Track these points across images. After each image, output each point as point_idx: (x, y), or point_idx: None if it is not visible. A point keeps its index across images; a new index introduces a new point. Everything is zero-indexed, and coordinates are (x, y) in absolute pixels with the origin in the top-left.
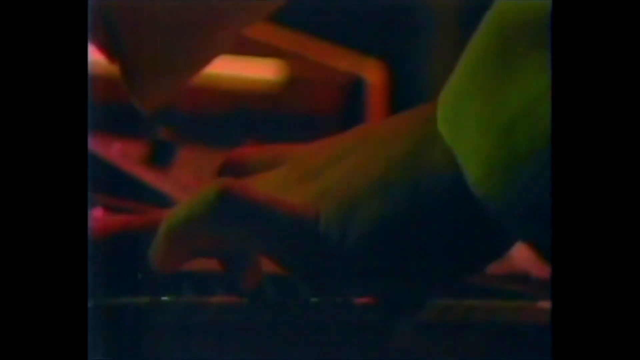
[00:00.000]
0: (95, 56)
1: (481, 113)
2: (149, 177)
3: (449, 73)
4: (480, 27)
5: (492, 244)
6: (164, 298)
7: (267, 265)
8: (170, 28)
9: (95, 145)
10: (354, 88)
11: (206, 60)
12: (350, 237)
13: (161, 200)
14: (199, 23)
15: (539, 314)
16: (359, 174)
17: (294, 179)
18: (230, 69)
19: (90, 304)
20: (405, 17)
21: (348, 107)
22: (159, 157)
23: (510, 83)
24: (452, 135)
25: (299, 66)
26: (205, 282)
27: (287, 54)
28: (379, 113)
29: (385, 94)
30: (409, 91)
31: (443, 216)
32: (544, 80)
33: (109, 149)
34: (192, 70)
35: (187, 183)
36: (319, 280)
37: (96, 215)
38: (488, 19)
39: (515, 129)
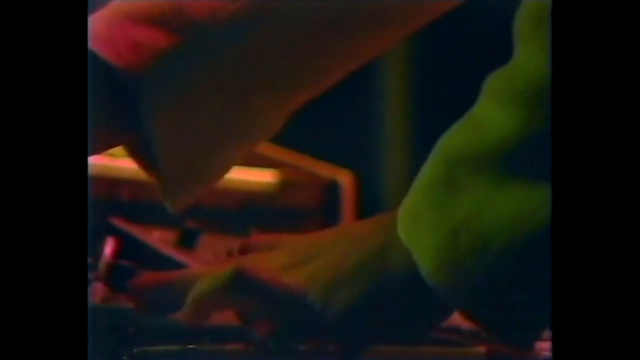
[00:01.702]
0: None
1: (432, 221)
2: (179, 255)
3: (402, 181)
4: (431, 156)
5: (438, 315)
6: (191, 346)
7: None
8: (200, 148)
9: (141, 232)
10: (332, 189)
11: (225, 172)
12: (329, 311)
13: None
14: (222, 144)
15: (470, 356)
16: (337, 266)
17: (289, 264)
18: (240, 175)
19: (135, 350)
20: (371, 135)
21: (328, 203)
22: (187, 241)
23: (454, 199)
24: (409, 238)
25: (290, 173)
26: (223, 334)
27: (281, 164)
28: (351, 208)
29: (354, 193)
30: (372, 192)
31: (402, 298)
32: (480, 197)
33: (150, 235)
34: (214, 180)
35: (208, 260)
36: (306, 335)
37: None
38: (437, 150)
39: (458, 234)
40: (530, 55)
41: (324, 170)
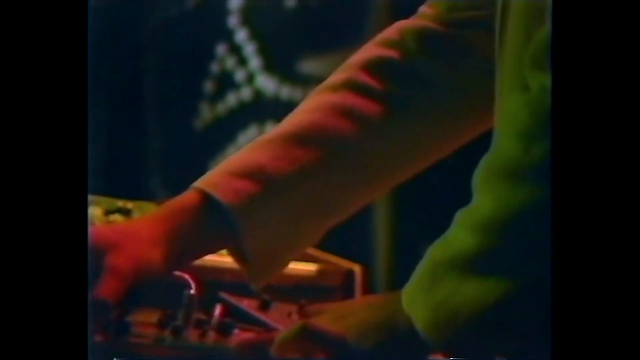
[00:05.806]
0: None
1: (422, 300)
2: (260, 315)
3: (391, 272)
4: (422, 260)
5: (426, 352)
6: None
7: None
8: (274, 252)
9: (237, 300)
10: (349, 275)
11: (287, 265)
12: (362, 349)
13: (267, 326)
14: (286, 250)
15: None
16: (366, 321)
17: (333, 318)
18: (294, 266)
19: None
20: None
21: (347, 284)
22: (264, 306)
23: (436, 287)
24: (409, 309)
25: (324, 265)
26: None
27: (318, 259)
28: (361, 287)
29: (364, 278)
30: (375, 278)
31: (408, 343)
32: (451, 287)
33: (242, 302)
34: (281, 270)
35: (278, 318)
36: None
37: (240, 335)
38: (426, 256)
39: (439, 310)
40: (483, 201)
41: (345, 263)
